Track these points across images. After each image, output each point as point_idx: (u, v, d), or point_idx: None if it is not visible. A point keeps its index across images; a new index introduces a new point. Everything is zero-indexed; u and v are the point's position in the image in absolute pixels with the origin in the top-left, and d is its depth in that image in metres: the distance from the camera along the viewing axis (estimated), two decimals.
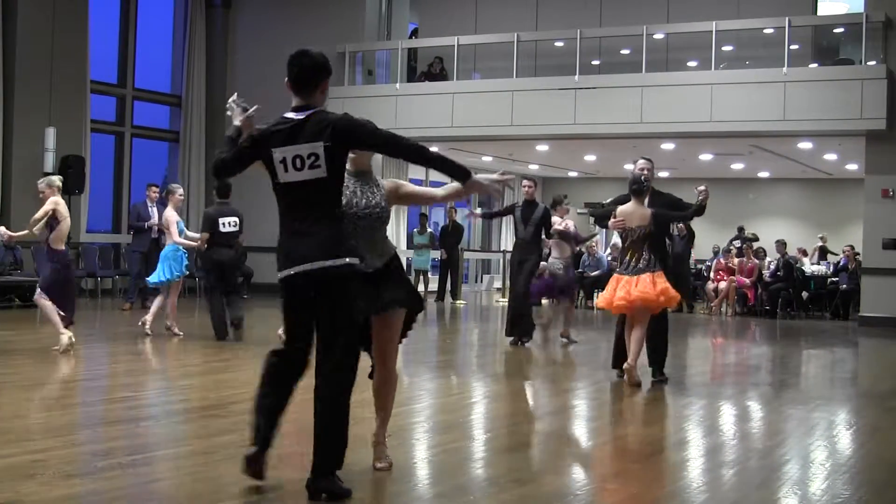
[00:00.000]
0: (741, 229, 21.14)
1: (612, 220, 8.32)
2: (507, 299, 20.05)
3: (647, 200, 8.41)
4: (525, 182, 11.72)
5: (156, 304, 11.15)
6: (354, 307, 4.50)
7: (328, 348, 4.43)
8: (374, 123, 4.50)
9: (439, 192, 5.20)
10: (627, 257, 8.28)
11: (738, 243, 19.58)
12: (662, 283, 8.17)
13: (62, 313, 9.07)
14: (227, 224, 10.84)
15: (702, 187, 8.27)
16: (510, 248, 23.92)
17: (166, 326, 11.00)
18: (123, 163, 19.08)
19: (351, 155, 4.72)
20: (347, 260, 4.42)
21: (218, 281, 10.92)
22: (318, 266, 4.38)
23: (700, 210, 8.34)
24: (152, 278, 11.21)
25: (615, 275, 8.42)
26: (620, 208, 8.34)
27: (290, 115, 4.49)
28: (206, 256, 10.97)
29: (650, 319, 8.27)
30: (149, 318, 10.97)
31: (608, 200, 8.87)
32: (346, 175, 4.70)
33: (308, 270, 4.39)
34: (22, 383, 7.48)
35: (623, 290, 8.18)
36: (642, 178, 8.34)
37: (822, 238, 21.12)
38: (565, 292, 11.85)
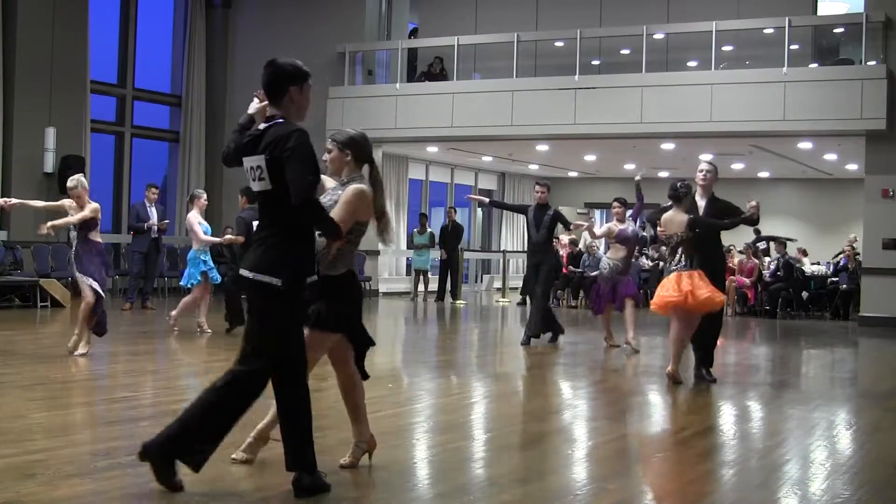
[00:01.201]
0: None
1: (659, 229, 8.45)
2: (510, 301, 20.07)
3: (703, 205, 8.57)
4: (537, 187, 11.69)
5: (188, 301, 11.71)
6: (277, 325, 4.43)
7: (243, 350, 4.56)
8: (305, 165, 4.31)
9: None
10: (676, 256, 8.44)
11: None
12: (701, 286, 8.25)
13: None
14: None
15: (753, 203, 8.47)
16: (510, 248, 24.07)
17: (173, 318, 11.38)
18: (123, 163, 19.09)
19: (324, 158, 4.81)
20: (265, 278, 4.36)
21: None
22: (245, 274, 4.42)
23: (748, 221, 8.60)
24: (182, 280, 11.91)
25: (665, 275, 8.64)
26: (663, 216, 8.45)
27: (262, 126, 4.53)
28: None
29: (705, 319, 8.46)
30: (202, 318, 11.53)
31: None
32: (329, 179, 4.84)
33: (242, 275, 4.46)
34: (22, 383, 7.48)
35: (676, 287, 8.30)
36: (678, 184, 8.43)
37: (853, 239, 20.84)
38: (616, 293, 11.39)
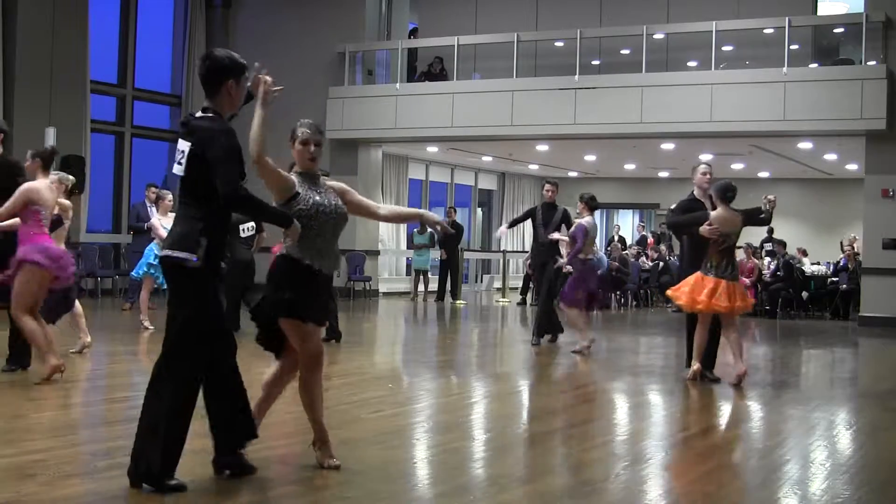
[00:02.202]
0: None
1: (707, 227, 8.17)
2: (510, 301, 20.07)
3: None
4: (546, 186, 11.59)
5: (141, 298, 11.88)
6: (184, 293, 4.51)
7: (164, 339, 4.60)
8: (228, 156, 4.41)
9: (382, 210, 5.29)
10: (718, 261, 8.24)
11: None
12: (745, 293, 8.43)
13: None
14: (247, 229, 11.07)
15: (771, 197, 8.57)
16: (510, 248, 24.08)
17: (143, 320, 11.49)
18: (123, 163, 19.07)
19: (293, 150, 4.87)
20: (175, 253, 4.44)
21: (239, 278, 10.96)
22: (161, 254, 4.57)
23: (769, 216, 8.73)
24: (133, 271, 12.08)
25: (702, 275, 8.26)
26: (714, 214, 8.26)
27: (198, 114, 4.63)
28: (230, 256, 11.03)
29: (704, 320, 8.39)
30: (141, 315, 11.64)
31: (672, 206, 8.76)
32: (294, 175, 4.85)
33: (161, 257, 4.58)
34: (22, 383, 7.47)
35: (725, 296, 8.17)
36: (732, 183, 8.40)
37: (853, 239, 20.71)
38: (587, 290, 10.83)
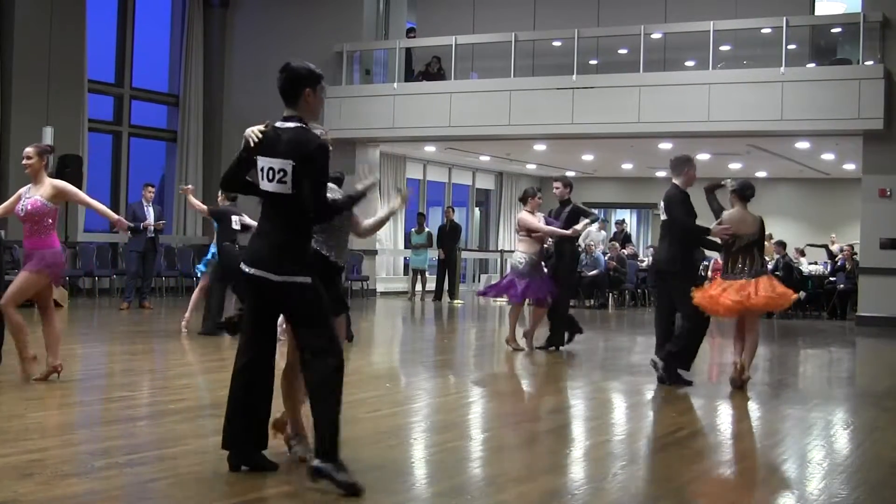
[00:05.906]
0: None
1: (718, 226, 7.96)
2: (508, 300, 20.02)
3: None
4: (555, 183, 11.08)
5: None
6: (316, 307, 4.58)
7: (304, 349, 4.59)
8: (325, 178, 4.61)
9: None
10: (740, 263, 7.97)
11: None
12: (780, 285, 8.11)
13: None
14: (236, 222, 10.98)
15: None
16: (507, 247, 24.06)
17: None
18: (121, 162, 19.08)
19: None
20: (294, 278, 4.52)
21: (229, 275, 10.83)
22: (266, 276, 4.53)
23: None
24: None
25: (722, 279, 8.05)
26: (727, 214, 8.06)
27: (279, 124, 4.66)
28: (228, 252, 10.89)
29: (693, 318, 8.15)
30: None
31: (672, 200, 8.15)
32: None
33: (257, 276, 4.55)
34: (19, 383, 7.47)
35: (740, 293, 7.85)
36: (751, 182, 8.21)
37: (834, 238, 20.60)
38: (528, 293, 10.51)
